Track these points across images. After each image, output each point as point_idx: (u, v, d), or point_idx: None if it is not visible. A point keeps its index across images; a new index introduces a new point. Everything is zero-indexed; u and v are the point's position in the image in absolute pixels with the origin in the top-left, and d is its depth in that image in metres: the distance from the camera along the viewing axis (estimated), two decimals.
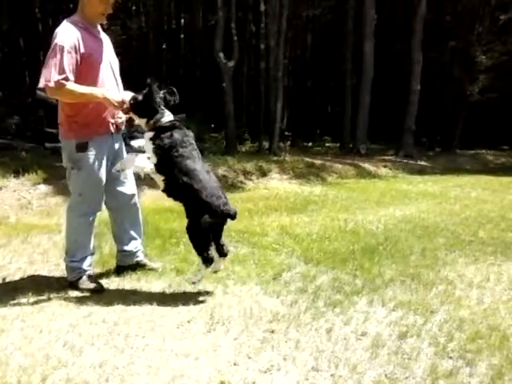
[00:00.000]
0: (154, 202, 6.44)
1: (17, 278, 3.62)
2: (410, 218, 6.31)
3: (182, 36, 22.95)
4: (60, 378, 2.29)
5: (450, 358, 2.60)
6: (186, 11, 22.39)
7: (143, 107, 3.23)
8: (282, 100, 14.61)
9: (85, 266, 3.52)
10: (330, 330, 2.88)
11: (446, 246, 4.84)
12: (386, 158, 15.04)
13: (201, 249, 3.21)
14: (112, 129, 3.47)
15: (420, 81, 16.46)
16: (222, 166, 9.84)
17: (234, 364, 2.48)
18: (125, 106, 3.26)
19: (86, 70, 3.24)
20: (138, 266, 3.80)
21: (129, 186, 3.70)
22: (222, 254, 3.35)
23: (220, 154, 12.54)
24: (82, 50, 3.19)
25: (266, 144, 14.65)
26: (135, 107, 3.25)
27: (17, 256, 4.19)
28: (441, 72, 18.70)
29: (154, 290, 3.40)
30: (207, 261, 3.24)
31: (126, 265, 3.79)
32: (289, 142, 18.07)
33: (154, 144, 3.17)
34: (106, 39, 3.52)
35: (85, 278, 3.48)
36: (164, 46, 21.75)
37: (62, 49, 3.12)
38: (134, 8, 21.44)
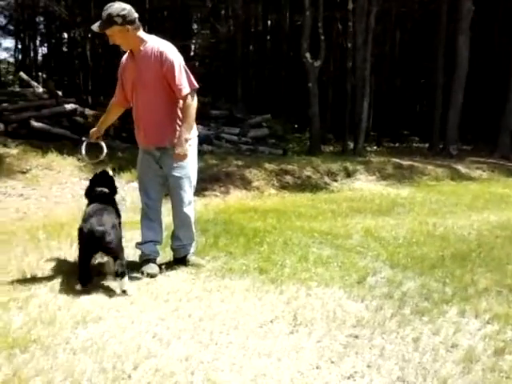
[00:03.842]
0: (238, 201, 6.57)
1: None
2: (506, 223, 5.89)
3: (269, 37, 23.15)
4: (150, 367, 2.40)
5: None
6: (273, 12, 22.57)
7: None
8: (369, 99, 14.26)
9: (146, 251, 3.87)
10: (417, 339, 2.77)
11: None
12: (480, 159, 14.12)
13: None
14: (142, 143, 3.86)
15: None
16: (307, 167, 9.80)
17: (317, 367, 2.45)
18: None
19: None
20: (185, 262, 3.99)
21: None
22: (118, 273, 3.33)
23: (304, 154, 12.53)
24: (121, 73, 3.83)
25: (350, 144, 14.42)
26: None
27: None
28: None
29: (238, 289, 3.46)
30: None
31: (177, 257, 4.02)
32: (374, 143, 17.65)
33: None
34: (146, 60, 3.61)
35: (145, 262, 3.82)
36: (251, 48, 22.09)
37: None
38: (223, 12, 22.03)
